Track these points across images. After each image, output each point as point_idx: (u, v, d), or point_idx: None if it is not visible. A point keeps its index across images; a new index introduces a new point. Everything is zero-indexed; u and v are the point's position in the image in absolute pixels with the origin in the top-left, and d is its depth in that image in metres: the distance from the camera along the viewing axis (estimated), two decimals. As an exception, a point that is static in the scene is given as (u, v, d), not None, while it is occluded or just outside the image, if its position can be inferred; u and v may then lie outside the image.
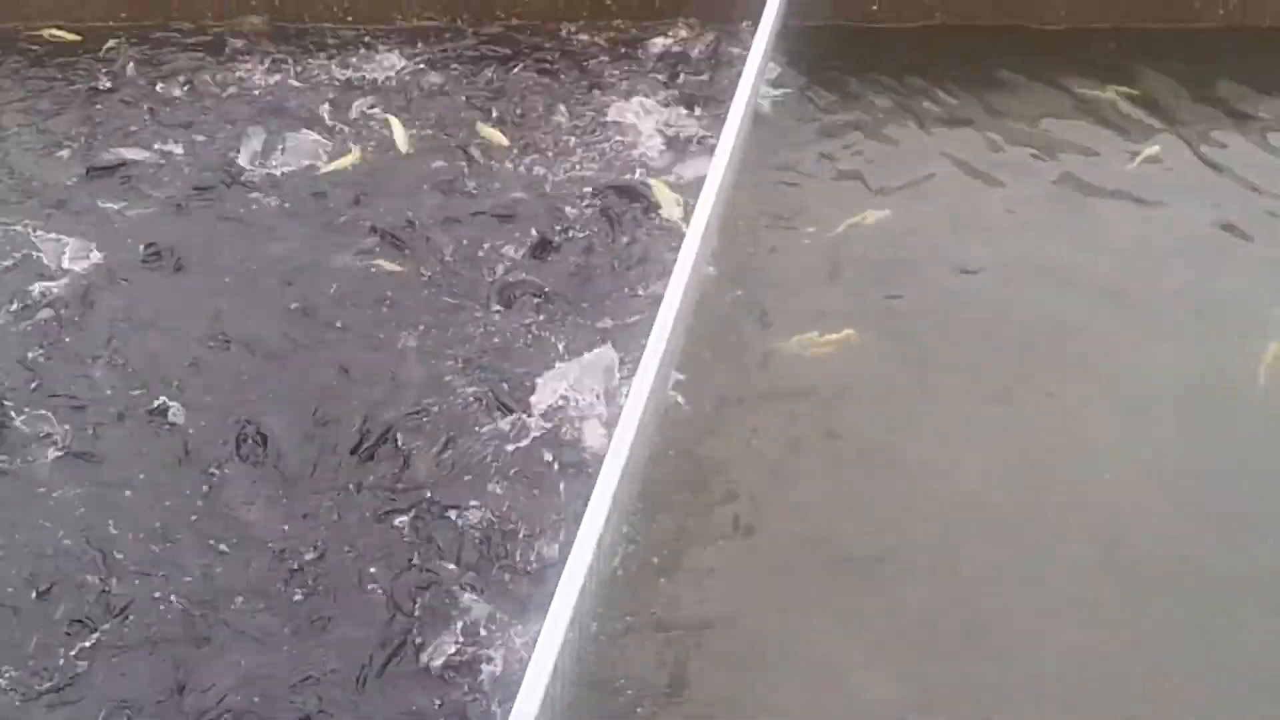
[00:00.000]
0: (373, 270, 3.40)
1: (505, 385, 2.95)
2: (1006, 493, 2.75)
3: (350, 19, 4.68)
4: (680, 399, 2.92)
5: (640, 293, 3.28)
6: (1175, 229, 3.57)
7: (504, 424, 2.84)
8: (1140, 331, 3.18)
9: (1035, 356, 3.11)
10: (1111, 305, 3.27)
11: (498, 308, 3.23)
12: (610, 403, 2.85)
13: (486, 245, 3.48)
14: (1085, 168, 3.84)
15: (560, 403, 2.88)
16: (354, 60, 4.44)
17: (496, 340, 3.14)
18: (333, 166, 3.86)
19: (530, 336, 3.15)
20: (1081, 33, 4.47)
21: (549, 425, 2.83)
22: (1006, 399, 3.00)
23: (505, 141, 3.94)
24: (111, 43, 4.55)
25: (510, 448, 2.78)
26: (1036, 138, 3.99)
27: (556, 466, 2.75)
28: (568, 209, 3.61)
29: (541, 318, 3.20)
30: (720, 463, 2.82)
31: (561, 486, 2.69)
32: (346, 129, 4.05)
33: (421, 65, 4.41)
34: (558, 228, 3.53)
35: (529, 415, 2.86)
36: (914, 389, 3.03)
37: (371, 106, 4.15)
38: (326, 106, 4.16)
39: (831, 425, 2.93)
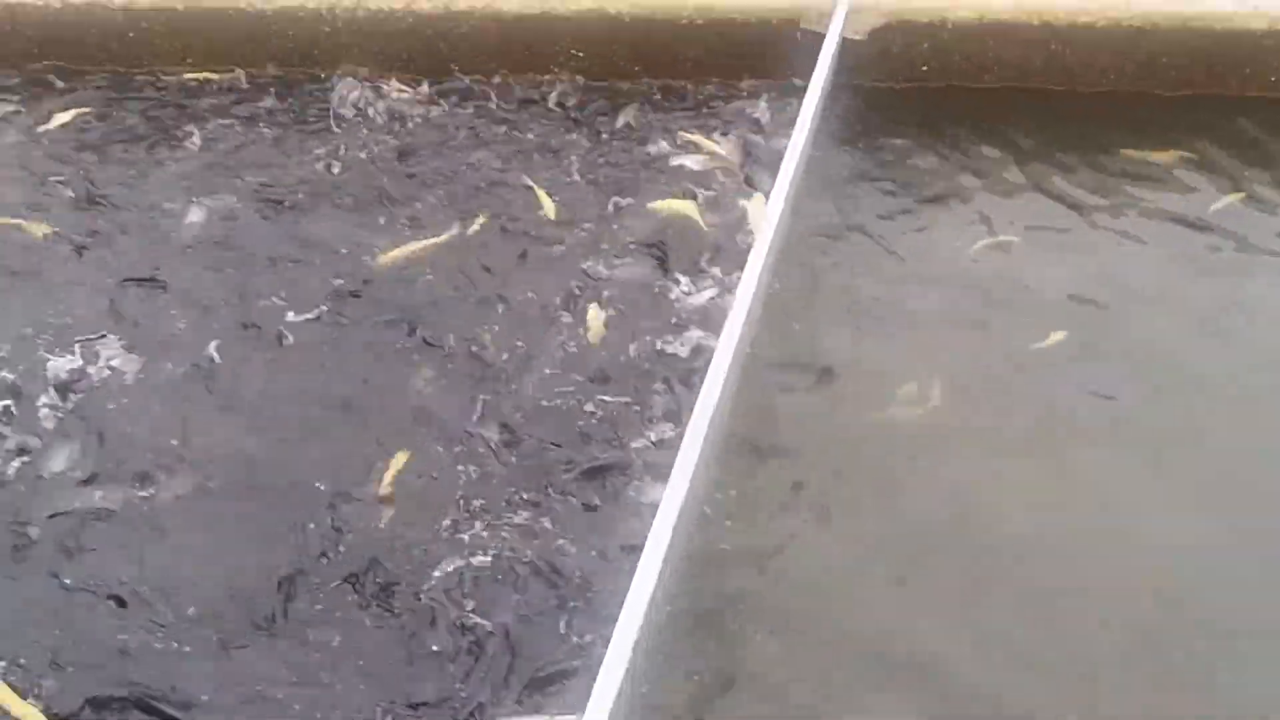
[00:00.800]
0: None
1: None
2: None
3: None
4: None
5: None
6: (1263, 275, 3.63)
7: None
8: (1240, 369, 3.25)
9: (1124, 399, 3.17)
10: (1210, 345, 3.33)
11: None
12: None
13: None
14: (1159, 216, 3.89)
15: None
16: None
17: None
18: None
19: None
20: (1135, 96, 4.47)
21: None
22: (1092, 443, 3.04)
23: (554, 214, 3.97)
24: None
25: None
26: (1101, 192, 4.01)
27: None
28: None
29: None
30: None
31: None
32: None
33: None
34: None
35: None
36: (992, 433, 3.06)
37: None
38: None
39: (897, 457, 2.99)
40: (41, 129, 4.52)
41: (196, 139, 4.44)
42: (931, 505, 2.90)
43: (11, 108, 4.67)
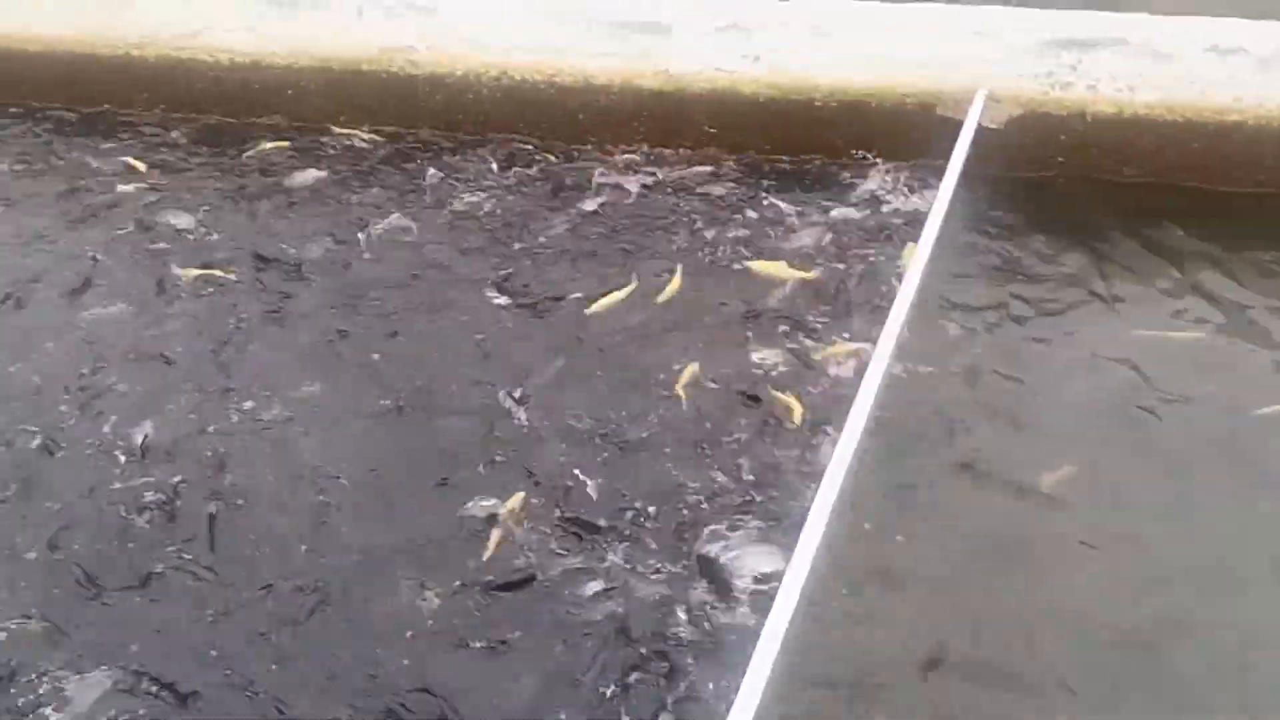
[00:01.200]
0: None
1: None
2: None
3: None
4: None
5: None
6: None
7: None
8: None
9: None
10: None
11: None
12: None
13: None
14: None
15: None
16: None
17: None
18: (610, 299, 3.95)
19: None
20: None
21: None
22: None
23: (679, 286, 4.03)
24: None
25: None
26: (1244, 297, 3.86)
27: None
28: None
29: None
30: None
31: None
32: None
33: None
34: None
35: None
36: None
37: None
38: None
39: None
40: (210, 179, 4.82)
41: (344, 192, 4.68)
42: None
43: (184, 157, 5.00)
